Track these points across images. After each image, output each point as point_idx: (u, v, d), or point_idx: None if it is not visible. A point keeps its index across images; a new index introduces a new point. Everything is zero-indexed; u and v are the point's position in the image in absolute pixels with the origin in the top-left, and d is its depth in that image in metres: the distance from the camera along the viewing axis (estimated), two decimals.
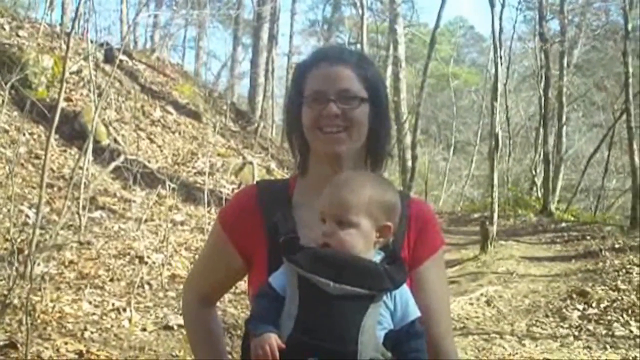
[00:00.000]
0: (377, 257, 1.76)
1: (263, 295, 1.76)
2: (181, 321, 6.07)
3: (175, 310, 6.36)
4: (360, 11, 21.39)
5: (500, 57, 13.30)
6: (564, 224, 16.38)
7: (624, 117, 20.83)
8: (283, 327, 1.68)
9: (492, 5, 12.02)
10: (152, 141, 12.43)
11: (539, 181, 23.43)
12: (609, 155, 24.83)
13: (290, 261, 1.72)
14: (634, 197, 15.29)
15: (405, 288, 1.76)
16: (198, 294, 2.16)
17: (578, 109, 28.46)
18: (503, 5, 22.89)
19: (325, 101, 1.89)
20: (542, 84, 21.82)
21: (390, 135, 2.08)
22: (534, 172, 23.85)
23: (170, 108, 14.17)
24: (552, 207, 20.03)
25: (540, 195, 22.40)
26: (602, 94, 28.14)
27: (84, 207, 8.00)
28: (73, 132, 10.72)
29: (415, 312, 1.75)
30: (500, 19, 22.46)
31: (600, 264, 10.14)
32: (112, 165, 9.61)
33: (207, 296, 2.18)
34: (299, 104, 1.95)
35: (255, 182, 2.16)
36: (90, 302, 6.14)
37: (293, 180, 2.08)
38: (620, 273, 9.40)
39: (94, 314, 5.95)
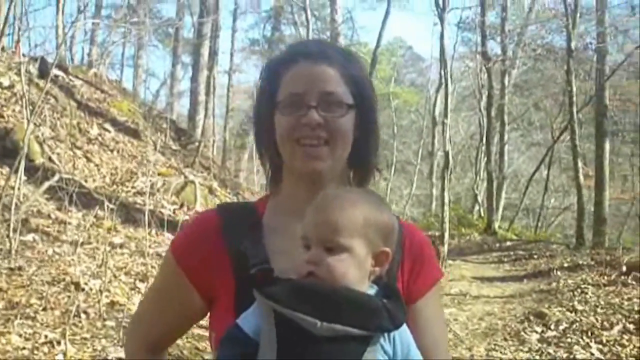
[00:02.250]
0: (370, 291, 1.43)
1: (230, 340, 1.41)
2: (121, 354, 5.67)
3: (115, 341, 5.90)
4: (305, 29, 21.19)
5: (451, 76, 13.25)
6: (508, 243, 16.49)
7: (564, 136, 21.21)
8: None
9: (442, 21, 11.96)
10: (89, 160, 11.90)
11: (480, 199, 23.63)
12: (548, 174, 25.31)
13: (266, 296, 1.36)
14: (579, 215, 15.40)
15: (405, 329, 1.43)
16: (146, 341, 1.78)
17: (517, 128, 28.90)
18: (443, 25, 23.22)
19: (305, 107, 1.54)
20: (484, 103, 22.06)
21: (378, 146, 1.72)
22: (476, 190, 24.02)
23: (108, 125, 13.66)
24: (496, 225, 20.12)
25: (482, 214, 22.54)
26: (541, 113, 28.69)
27: (14, 230, 7.48)
28: (4, 150, 10.15)
29: (418, 358, 1.44)
30: (442, 38, 22.79)
31: (554, 283, 10.08)
32: (46, 184, 9.08)
33: (157, 343, 1.80)
34: (271, 110, 1.60)
35: (216, 206, 1.78)
36: (20, 335, 5.63)
37: (262, 202, 1.72)
38: (576, 293, 9.32)
39: (24, 348, 5.44)
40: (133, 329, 1.89)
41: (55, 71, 13.46)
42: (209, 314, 1.68)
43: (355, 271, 1.40)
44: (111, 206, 8.53)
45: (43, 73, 12.82)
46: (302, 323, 1.32)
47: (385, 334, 1.39)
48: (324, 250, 1.39)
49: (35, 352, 5.42)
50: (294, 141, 1.56)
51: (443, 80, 13.83)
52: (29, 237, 8.28)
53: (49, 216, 9.30)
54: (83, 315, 6.41)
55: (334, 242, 1.39)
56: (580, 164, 15.98)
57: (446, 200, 12.33)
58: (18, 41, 12.63)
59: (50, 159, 10.64)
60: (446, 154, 12.40)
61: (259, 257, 1.53)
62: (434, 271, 1.70)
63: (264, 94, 1.67)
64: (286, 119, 1.56)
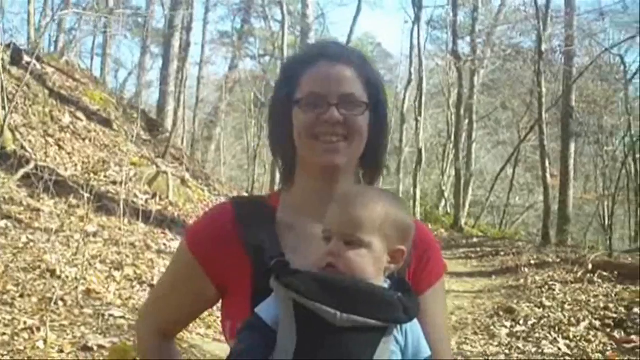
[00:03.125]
0: (384, 285, 1.50)
1: (249, 328, 1.46)
2: (102, 341, 5.70)
3: (95, 329, 5.91)
4: (279, 24, 21.18)
5: (419, 73, 13.32)
6: (475, 239, 16.65)
7: (529, 135, 21.54)
8: None
9: (418, 19, 12.06)
10: (61, 148, 11.80)
11: (447, 195, 23.85)
12: (514, 173, 25.59)
13: (287, 287, 1.42)
14: (545, 214, 15.64)
15: (416, 321, 1.51)
16: (158, 327, 1.85)
17: (485, 127, 29.20)
18: (414, 23, 23.38)
19: (325, 105, 1.61)
20: (452, 101, 22.27)
21: (387, 146, 1.81)
22: (444, 187, 24.23)
23: (80, 114, 13.54)
24: (462, 222, 20.35)
25: (449, 210, 22.77)
26: (508, 112, 29.03)
27: None
28: None
29: (427, 350, 1.52)
30: (412, 36, 22.95)
31: (522, 280, 10.24)
32: (22, 171, 9.01)
33: (168, 329, 1.88)
34: (289, 107, 1.67)
35: (230, 199, 1.84)
36: None
37: (275, 196, 1.79)
38: (543, 290, 9.49)
39: (4, 334, 5.42)
40: (145, 315, 1.94)
41: (26, 58, 13.35)
42: (221, 302, 1.73)
43: (372, 266, 1.47)
44: (87, 195, 8.48)
45: (15, 60, 12.70)
46: (322, 313, 1.38)
47: (399, 326, 1.46)
48: (344, 243, 1.46)
49: (16, 338, 5.40)
50: (313, 137, 1.62)
51: (417, 77, 13.94)
52: (1, 223, 8.22)
53: (21, 203, 9.22)
54: (60, 303, 6.40)
55: (354, 237, 1.46)
56: (547, 164, 16.22)
57: (417, 196, 12.46)
58: None
59: (22, 147, 10.53)
60: (419, 150, 12.55)
61: (274, 250, 1.60)
62: (438, 267, 1.77)
63: (282, 91, 1.72)
64: (306, 115, 1.63)
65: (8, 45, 12.67)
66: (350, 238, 1.46)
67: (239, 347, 1.46)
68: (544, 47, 16.72)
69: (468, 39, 24.19)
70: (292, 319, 1.41)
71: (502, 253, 13.46)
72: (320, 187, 1.67)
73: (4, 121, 7.98)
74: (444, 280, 1.80)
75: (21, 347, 5.25)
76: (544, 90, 16.41)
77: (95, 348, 5.55)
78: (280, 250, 1.60)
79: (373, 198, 1.52)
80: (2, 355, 5.05)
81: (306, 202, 1.69)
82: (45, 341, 5.40)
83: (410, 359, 1.48)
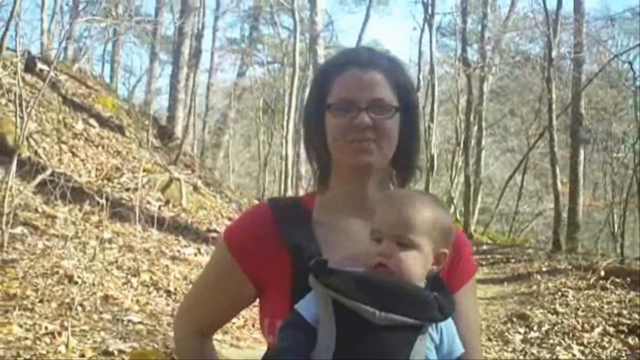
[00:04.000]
0: (421, 284, 1.54)
1: (290, 326, 1.51)
2: (122, 346, 5.75)
3: (114, 334, 5.96)
4: (291, 31, 21.22)
5: (430, 80, 13.36)
6: (485, 247, 16.64)
7: (539, 142, 21.53)
8: None
9: (430, 26, 12.11)
10: (74, 155, 11.86)
11: (456, 202, 23.82)
12: (522, 180, 25.52)
13: (327, 286, 1.46)
14: (556, 221, 15.62)
15: (450, 320, 1.55)
16: (196, 325, 1.88)
17: (494, 134, 29.18)
18: (423, 30, 23.40)
19: (356, 110, 1.66)
20: (462, 108, 22.25)
21: (420, 148, 1.86)
22: (453, 194, 24.23)
23: (92, 121, 13.61)
24: (472, 229, 20.34)
25: (458, 217, 22.74)
26: (516, 119, 29.01)
27: (7, 223, 7.49)
28: None
29: (460, 348, 1.57)
30: (420, 43, 22.97)
31: (534, 286, 10.24)
32: (39, 178, 9.07)
33: (207, 328, 1.92)
34: (322, 112, 1.72)
35: (267, 200, 1.89)
36: (20, 326, 5.67)
37: (310, 197, 1.83)
38: (557, 296, 9.50)
39: (26, 338, 5.48)
40: (184, 314, 1.97)
41: (40, 65, 13.44)
42: (258, 300, 1.77)
43: (420, 268, 1.52)
44: (102, 201, 8.53)
45: (28, 67, 12.78)
46: (361, 312, 1.42)
47: (434, 324, 1.51)
48: (395, 244, 1.51)
49: (38, 342, 5.46)
50: (346, 141, 1.67)
51: (426, 84, 13.98)
52: (18, 230, 8.27)
53: (36, 210, 9.28)
54: (79, 308, 6.46)
55: (406, 238, 1.51)
56: (557, 171, 16.22)
57: None
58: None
59: (36, 153, 10.60)
60: (431, 157, 12.58)
61: (312, 248, 1.64)
62: (469, 267, 1.81)
63: (315, 97, 1.78)
64: (338, 120, 1.68)
65: (22, 53, 12.75)
66: (402, 240, 1.50)
67: (281, 345, 1.50)
68: (554, 53, 16.73)
69: (476, 45, 24.26)
70: (331, 317, 1.45)
71: (513, 260, 13.47)
72: (353, 187, 1.71)
73: (23, 129, 8.02)
74: (475, 279, 1.84)
75: (43, 352, 5.31)
76: (554, 97, 16.41)
77: (115, 353, 5.60)
78: (317, 248, 1.65)
79: (423, 201, 1.57)
80: None
81: (340, 202, 1.73)
82: (66, 346, 5.45)
83: (444, 356, 1.53)
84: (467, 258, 1.81)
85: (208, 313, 1.86)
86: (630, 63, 21.71)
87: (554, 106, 16.53)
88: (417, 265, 1.51)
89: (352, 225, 1.70)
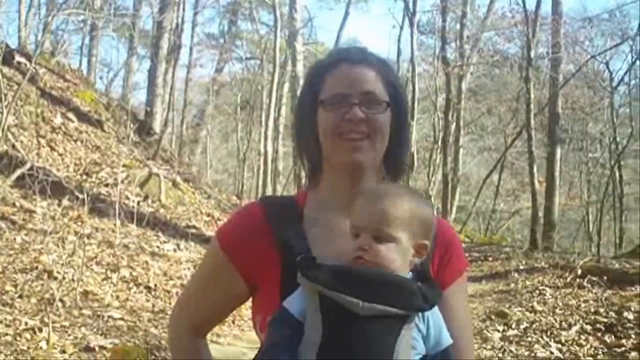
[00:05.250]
0: (406, 276, 1.55)
1: (278, 321, 1.53)
2: (102, 342, 5.73)
3: (95, 330, 5.93)
4: (274, 25, 21.16)
5: (411, 78, 13.42)
6: (462, 245, 16.64)
7: (516, 141, 21.69)
8: (304, 356, 1.46)
9: (411, 25, 12.16)
10: (52, 149, 11.76)
11: (433, 200, 23.87)
12: (499, 179, 25.66)
13: (311, 279, 1.48)
14: (533, 219, 15.74)
15: (437, 311, 1.56)
16: (190, 325, 1.89)
17: (472, 132, 29.33)
18: (402, 28, 23.47)
19: (348, 105, 1.68)
20: (440, 107, 22.32)
21: (409, 145, 1.89)
22: (430, 192, 24.32)
23: (71, 115, 13.48)
24: None
25: (436, 215, 22.81)
26: (493, 118, 29.18)
27: None
28: None
29: (448, 339, 1.57)
30: (399, 41, 23.06)
31: (512, 284, 10.31)
32: (18, 172, 8.98)
33: (200, 327, 1.92)
34: (314, 108, 1.73)
35: (259, 199, 1.91)
36: (0, 322, 5.62)
37: (302, 195, 1.84)
38: (534, 294, 9.55)
39: (6, 334, 5.44)
40: (178, 313, 1.97)
41: (18, 58, 13.30)
42: (251, 299, 1.78)
43: (399, 259, 1.52)
44: (82, 196, 8.46)
45: (5, 59, 12.63)
46: (345, 303, 1.43)
47: (420, 315, 1.51)
48: (372, 238, 1.52)
49: (18, 338, 5.42)
50: (338, 135, 1.68)
51: (410, 82, 14.03)
52: None
53: (14, 204, 9.20)
54: (59, 304, 6.41)
55: (383, 232, 1.52)
56: (535, 170, 16.37)
57: None
58: None
59: (14, 147, 10.49)
60: (411, 155, 12.60)
61: (302, 246, 1.66)
62: (460, 263, 1.82)
63: (307, 94, 1.80)
64: (330, 115, 1.69)
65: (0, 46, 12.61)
66: (378, 233, 1.51)
67: (269, 341, 1.52)
68: (532, 53, 16.87)
69: (454, 44, 24.37)
70: (317, 310, 1.47)
71: (490, 258, 13.57)
72: (345, 184, 1.72)
73: (2, 123, 7.94)
74: (466, 276, 1.85)
75: (24, 348, 5.28)
76: (532, 96, 16.55)
77: (96, 349, 5.58)
78: (307, 246, 1.66)
79: (400, 195, 1.58)
80: (6, 356, 5.07)
81: (332, 199, 1.74)
82: (47, 342, 5.42)
83: (431, 347, 1.54)
84: (458, 255, 1.82)
85: (202, 312, 1.87)
86: (607, 64, 22.05)
87: (532, 106, 16.65)
88: (395, 257, 1.51)
89: (342, 224, 1.69)
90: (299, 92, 1.95)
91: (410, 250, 1.55)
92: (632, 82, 23.08)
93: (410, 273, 1.57)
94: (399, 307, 1.46)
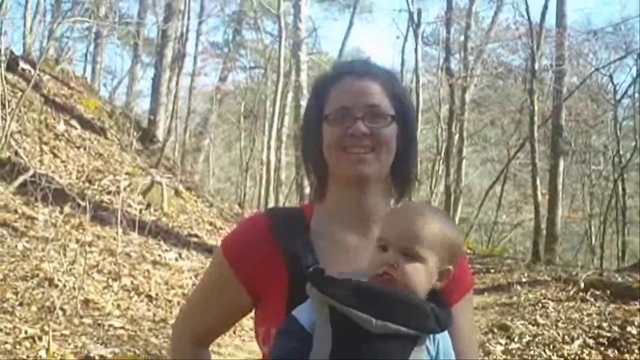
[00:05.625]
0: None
1: (286, 332, 1.50)
2: (103, 352, 5.69)
3: (95, 339, 5.90)
4: (279, 35, 21.18)
5: (411, 89, 13.43)
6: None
7: (519, 153, 21.67)
8: None
9: (416, 36, 12.17)
10: (55, 156, 11.76)
11: None
12: (502, 190, 25.59)
13: (324, 293, 1.45)
14: (536, 232, 15.69)
15: (447, 335, 1.55)
16: (193, 335, 1.87)
17: (475, 144, 29.30)
18: (406, 39, 23.48)
19: (352, 118, 1.66)
20: (444, 117, 22.30)
21: (417, 159, 1.86)
22: (433, 203, 24.28)
23: (74, 122, 13.50)
24: None
25: None
26: (496, 130, 29.15)
27: None
28: None
29: None
30: (403, 51, 23.06)
31: (515, 297, 10.26)
32: (20, 179, 8.97)
33: (203, 337, 1.90)
34: (319, 122, 1.72)
35: (265, 210, 1.90)
36: (0, 329, 5.59)
37: (308, 207, 1.82)
38: (537, 307, 9.50)
39: (6, 342, 5.41)
40: (181, 323, 1.95)
41: (22, 64, 13.32)
42: (254, 310, 1.76)
43: (426, 282, 1.50)
44: (83, 204, 8.45)
45: (10, 66, 12.65)
46: (358, 320, 1.41)
47: (431, 336, 1.49)
48: (401, 255, 1.49)
49: (17, 346, 5.39)
50: (342, 150, 1.66)
51: (414, 93, 14.03)
52: None
53: (15, 211, 9.19)
54: (60, 312, 6.38)
55: (413, 250, 1.49)
56: (538, 182, 16.34)
57: None
58: None
59: (16, 154, 10.50)
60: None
61: (309, 258, 1.63)
62: (466, 280, 1.80)
63: (312, 107, 1.78)
64: (335, 129, 1.67)
65: (5, 53, 12.63)
66: (408, 251, 1.49)
67: (276, 354, 1.50)
68: (537, 65, 16.86)
69: (458, 55, 24.37)
70: (328, 324, 1.44)
71: (493, 270, 13.52)
72: (351, 197, 1.70)
73: (6, 130, 7.93)
74: (472, 292, 1.84)
75: (23, 356, 5.25)
76: (536, 108, 16.53)
77: (97, 358, 5.55)
78: (315, 258, 1.64)
79: (434, 216, 1.56)
80: None
81: (338, 213, 1.72)
82: (47, 350, 5.38)
83: None
84: (464, 270, 1.79)
85: (205, 322, 1.85)
86: (611, 76, 22.01)
87: (535, 118, 16.63)
88: (422, 278, 1.49)
89: (348, 238, 1.69)
90: (302, 102, 1.94)
91: (436, 274, 1.53)
92: (636, 95, 23.05)
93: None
94: (412, 327, 1.43)
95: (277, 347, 1.50)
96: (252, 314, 1.77)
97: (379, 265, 1.49)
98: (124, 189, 11.54)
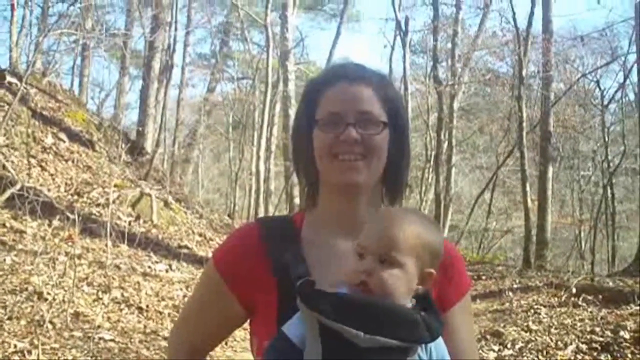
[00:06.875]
0: (408, 304, 1.50)
1: (276, 347, 1.48)
2: None
3: (85, 352, 5.84)
4: (266, 45, 21.19)
5: (404, 97, 13.43)
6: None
7: (508, 160, 21.73)
8: None
9: (404, 45, 12.20)
10: (43, 169, 11.69)
11: None
12: (491, 197, 25.62)
13: (312, 309, 1.43)
14: (526, 238, 15.72)
15: (441, 340, 1.52)
16: (187, 347, 1.85)
17: (463, 151, 29.36)
18: (393, 47, 23.54)
19: (343, 125, 1.63)
20: (432, 125, 22.34)
21: (409, 165, 1.83)
22: (423, 211, 24.27)
23: (62, 135, 13.42)
24: None
25: None
26: (485, 137, 29.23)
27: None
28: None
29: None
30: (390, 60, 23.10)
31: (507, 304, 10.26)
32: (8, 192, 8.90)
33: (198, 349, 1.87)
34: (310, 128, 1.69)
35: (256, 219, 1.88)
36: None
37: (299, 215, 1.80)
38: (529, 313, 9.50)
39: None
40: (175, 335, 1.94)
41: (9, 78, 13.25)
42: (248, 321, 1.74)
43: (404, 287, 1.47)
44: (72, 217, 8.38)
45: None
46: (346, 334, 1.38)
47: (423, 345, 1.47)
48: (378, 262, 1.46)
49: None
50: (332, 156, 1.64)
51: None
52: None
53: (4, 225, 9.12)
54: (49, 326, 6.33)
55: (390, 256, 1.46)
56: (528, 188, 16.39)
57: None
58: None
59: (4, 167, 10.42)
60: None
61: (300, 269, 1.60)
62: (463, 282, 1.78)
63: (303, 113, 1.75)
64: (325, 135, 1.64)
65: None
66: (385, 257, 1.46)
67: None
68: (524, 72, 16.94)
69: (445, 63, 24.45)
70: (317, 339, 1.41)
71: (484, 277, 13.53)
72: (342, 205, 1.68)
73: None
74: (469, 295, 1.81)
75: None
76: (524, 115, 16.59)
77: None
78: (306, 268, 1.61)
79: (411, 220, 1.52)
80: None
81: (329, 220, 1.70)
82: None
83: None
84: (461, 272, 1.78)
85: (199, 333, 1.83)
86: (598, 82, 22.17)
87: (524, 124, 16.69)
88: (399, 284, 1.46)
89: (341, 246, 1.66)
90: (291, 112, 1.92)
91: (416, 278, 1.50)
92: (623, 100, 23.23)
93: (413, 299, 1.52)
94: (400, 339, 1.41)
95: None
96: (246, 324, 1.75)
97: (356, 274, 1.47)
98: (113, 201, 11.48)
